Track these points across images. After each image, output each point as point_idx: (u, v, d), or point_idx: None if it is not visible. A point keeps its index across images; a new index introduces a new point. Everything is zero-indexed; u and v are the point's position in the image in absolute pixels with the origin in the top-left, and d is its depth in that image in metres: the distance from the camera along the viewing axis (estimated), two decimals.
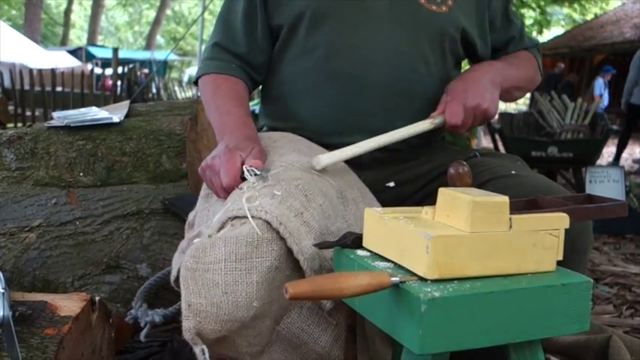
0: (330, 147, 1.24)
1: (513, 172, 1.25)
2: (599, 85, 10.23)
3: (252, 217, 0.92)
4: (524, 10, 17.46)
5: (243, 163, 1.09)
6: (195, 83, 1.47)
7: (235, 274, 0.89)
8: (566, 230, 0.89)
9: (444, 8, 1.33)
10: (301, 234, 0.94)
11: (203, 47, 1.71)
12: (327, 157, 1.12)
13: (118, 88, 8.16)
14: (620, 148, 7.49)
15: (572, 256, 1.01)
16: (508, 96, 1.43)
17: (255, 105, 6.04)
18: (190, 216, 1.21)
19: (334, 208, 1.04)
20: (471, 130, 1.31)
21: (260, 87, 1.53)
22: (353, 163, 1.25)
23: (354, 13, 1.32)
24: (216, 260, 0.89)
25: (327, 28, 1.33)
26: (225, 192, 1.09)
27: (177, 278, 1.05)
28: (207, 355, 0.87)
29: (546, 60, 15.67)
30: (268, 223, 0.92)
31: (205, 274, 0.89)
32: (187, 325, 0.88)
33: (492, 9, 1.45)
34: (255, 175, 1.05)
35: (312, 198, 1.00)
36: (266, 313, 0.94)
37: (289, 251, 0.93)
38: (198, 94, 1.48)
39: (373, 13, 1.32)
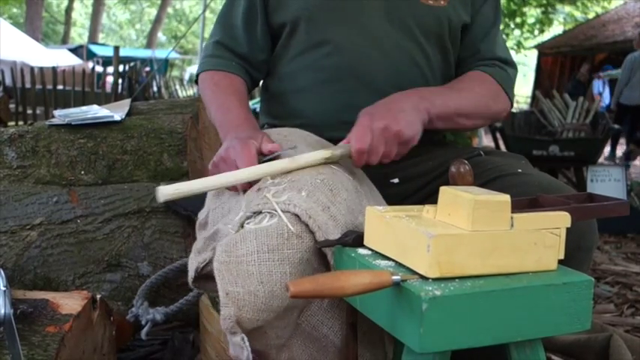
0: (333, 142, 1.25)
1: (519, 170, 1.25)
2: (598, 85, 10.26)
3: (282, 210, 0.93)
4: (525, 9, 17.44)
5: (258, 152, 1.09)
6: (196, 81, 1.48)
7: (269, 265, 0.90)
8: (571, 229, 0.89)
9: (441, 2, 1.33)
10: (329, 228, 0.95)
11: (204, 45, 1.71)
12: (172, 190, 1.03)
13: (119, 87, 8.15)
14: (614, 144, 7.80)
15: (578, 255, 1.01)
16: (450, 124, 1.28)
17: (255, 104, 6.04)
18: (201, 215, 1.21)
19: (355, 203, 1.04)
20: (388, 160, 1.14)
21: (261, 85, 1.53)
22: None
23: (352, 10, 1.33)
24: (249, 252, 0.90)
25: (327, 26, 1.34)
26: (242, 186, 1.06)
27: (194, 279, 1.05)
28: (247, 344, 0.87)
29: (548, 59, 15.66)
30: (297, 216, 0.93)
31: (239, 265, 0.89)
32: (227, 312, 0.88)
33: (481, 14, 1.40)
34: (287, 151, 1.03)
35: (337, 192, 1.00)
36: (296, 305, 0.95)
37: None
38: (199, 91, 1.48)
39: (372, 10, 1.33)
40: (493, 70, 1.36)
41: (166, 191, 1.02)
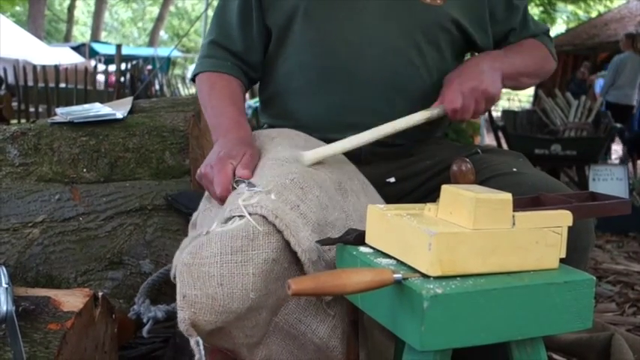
0: (329, 143, 1.25)
1: (514, 169, 1.25)
2: (599, 84, 10.25)
3: (249, 213, 0.93)
4: (528, 7, 17.40)
5: (234, 172, 1.10)
6: (193, 81, 1.48)
7: (231, 266, 0.90)
8: (568, 228, 0.89)
9: (438, 1, 1.33)
10: (298, 226, 0.95)
11: (202, 44, 1.71)
12: (313, 154, 1.12)
13: (123, 84, 8.17)
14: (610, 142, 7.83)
15: (573, 255, 1.01)
16: (516, 83, 1.42)
17: (257, 102, 6.04)
18: (194, 216, 1.23)
19: (331, 199, 1.04)
20: (480, 115, 1.29)
21: (258, 86, 1.53)
22: (353, 158, 1.25)
23: (347, 8, 1.32)
24: (212, 254, 0.90)
25: (321, 25, 1.33)
26: (220, 200, 1.10)
27: (175, 276, 1.06)
28: (201, 347, 0.88)
29: None
30: (264, 217, 0.93)
31: (201, 267, 0.90)
32: (182, 315, 0.89)
33: (505, 5, 1.43)
34: (246, 185, 1.05)
35: (308, 190, 1.01)
36: (262, 305, 0.95)
37: (287, 244, 0.94)
38: (197, 92, 1.49)
39: (366, 8, 1.32)
40: (541, 37, 1.51)
41: (308, 155, 1.11)
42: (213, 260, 0.90)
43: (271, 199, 0.95)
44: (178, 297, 0.89)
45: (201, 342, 0.88)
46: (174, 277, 1.06)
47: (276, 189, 0.98)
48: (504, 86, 1.36)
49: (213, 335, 0.93)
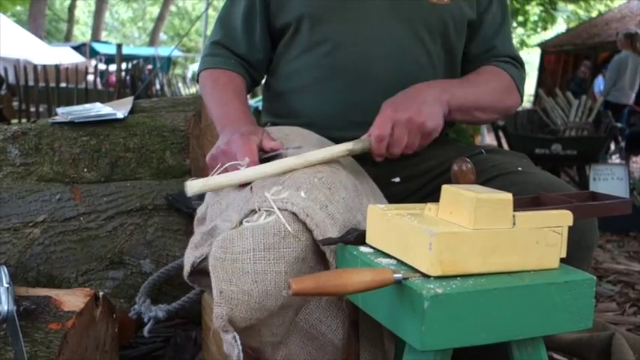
0: (334, 141, 1.25)
1: (520, 168, 1.25)
2: (599, 83, 10.25)
3: (279, 209, 0.93)
4: (528, 7, 17.40)
5: (259, 148, 1.09)
6: (197, 81, 1.49)
7: (264, 264, 0.90)
8: (571, 227, 0.89)
9: (445, 0, 1.33)
10: (327, 226, 0.95)
11: (205, 45, 1.72)
12: (199, 184, 1.04)
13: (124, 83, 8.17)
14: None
15: (577, 254, 1.02)
16: (467, 117, 1.30)
17: (257, 102, 6.04)
18: (200, 211, 1.21)
19: (354, 202, 1.04)
20: (410, 152, 1.15)
21: (263, 84, 1.54)
22: (359, 158, 1.25)
23: (355, 8, 1.33)
24: (245, 250, 0.90)
25: (330, 25, 1.34)
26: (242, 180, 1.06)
27: (190, 273, 1.06)
28: (239, 342, 0.88)
29: (551, 57, 15.61)
30: (295, 214, 0.93)
31: (235, 263, 0.89)
32: (219, 311, 0.88)
33: (490, 12, 1.41)
34: (290, 148, 1.04)
35: (335, 191, 1.00)
36: (291, 303, 0.95)
37: (314, 243, 0.94)
38: (200, 89, 1.49)
39: (374, 8, 1.33)
40: (507, 66, 1.38)
41: (195, 185, 1.03)
42: (247, 256, 0.90)
43: (301, 197, 0.95)
44: (215, 292, 0.89)
45: (238, 338, 0.88)
46: (189, 276, 1.06)
47: (305, 187, 0.98)
48: (454, 119, 1.26)
49: (245, 332, 0.92)
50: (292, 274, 0.91)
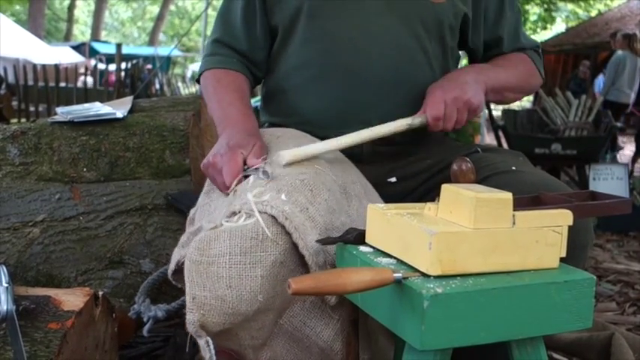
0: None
1: (514, 168, 1.25)
2: (599, 83, 10.27)
3: (259, 211, 0.92)
4: (528, 7, 17.40)
5: (245, 162, 1.10)
6: (198, 81, 1.48)
7: (240, 268, 0.89)
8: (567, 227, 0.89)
9: None
10: (306, 229, 0.94)
11: (205, 44, 1.72)
12: (291, 153, 1.09)
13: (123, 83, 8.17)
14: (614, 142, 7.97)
15: (572, 253, 1.01)
16: (500, 96, 1.42)
17: (257, 102, 6.03)
18: (192, 212, 1.22)
19: (338, 203, 1.04)
20: (460, 126, 1.27)
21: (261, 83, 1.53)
22: (354, 158, 1.25)
23: (350, 6, 1.33)
24: (221, 253, 0.89)
25: (325, 22, 1.34)
26: (227, 189, 1.09)
27: (174, 272, 1.06)
28: (211, 347, 0.88)
29: (550, 57, 15.62)
30: (274, 217, 0.92)
31: (210, 267, 0.89)
32: (191, 317, 0.88)
33: (489, 1, 1.43)
34: (259, 173, 1.05)
35: (317, 193, 1.00)
36: (269, 307, 0.95)
37: (294, 246, 0.94)
38: (201, 90, 1.48)
39: (370, 6, 1.32)
40: (530, 53, 1.49)
41: (288, 154, 1.07)
42: (222, 260, 0.89)
43: (282, 200, 0.95)
44: (188, 298, 0.89)
45: (211, 342, 0.88)
46: (173, 274, 1.06)
47: (286, 189, 0.98)
48: (488, 99, 1.36)
49: (220, 336, 0.92)
50: (269, 279, 0.91)
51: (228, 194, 1.09)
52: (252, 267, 0.90)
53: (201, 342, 0.88)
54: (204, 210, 1.15)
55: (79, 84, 8.40)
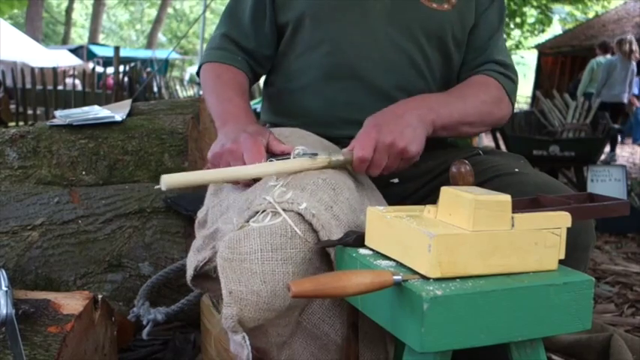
0: (334, 141, 1.27)
1: (516, 169, 1.26)
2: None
3: (284, 210, 0.93)
4: (525, 9, 17.42)
5: (266, 149, 1.09)
6: (198, 73, 1.48)
7: (272, 264, 0.90)
8: (567, 229, 0.89)
9: (445, 6, 1.34)
10: (332, 227, 0.95)
11: (204, 46, 1.71)
12: (173, 179, 1.01)
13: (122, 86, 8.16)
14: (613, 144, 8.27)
15: (574, 255, 1.02)
16: (453, 132, 1.28)
17: (256, 104, 6.03)
18: (200, 214, 1.21)
19: (357, 202, 1.04)
20: (388, 173, 1.14)
21: (262, 84, 1.54)
22: None
23: (355, 11, 1.34)
24: (252, 250, 0.90)
25: (330, 26, 1.35)
26: (247, 179, 1.06)
27: (193, 277, 1.05)
28: (248, 343, 0.88)
29: (548, 59, 15.65)
30: (301, 215, 0.93)
31: (242, 263, 0.89)
32: (229, 312, 0.88)
33: (486, 17, 1.40)
34: (307, 154, 1.03)
35: (339, 192, 1.00)
36: (297, 304, 0.96)
37: None
38: (200, 92, 1.48)
39: (374, 11, 1.34)
40: (497, 75, 1.36)
41: (170, 180, 1.00)
42: (254, 257, 0.89)
43: (307, 197, 0.95)
44: (224, 292, 0.88)
45: (247, 338, 0.88)
46: (192, 280, 1.05)
47: (310, 187, 0.98)
48: (438, 135, 1.24)
49: (252, 333, 0.92)
50: (300, 275, 0.91)
51: (248, 186, 1.07)
52: (283, 263, 0.90)
53: (237, 337, 0.88)
54: (215, 211, 1.14)
55: (68, 87, 8.37)
